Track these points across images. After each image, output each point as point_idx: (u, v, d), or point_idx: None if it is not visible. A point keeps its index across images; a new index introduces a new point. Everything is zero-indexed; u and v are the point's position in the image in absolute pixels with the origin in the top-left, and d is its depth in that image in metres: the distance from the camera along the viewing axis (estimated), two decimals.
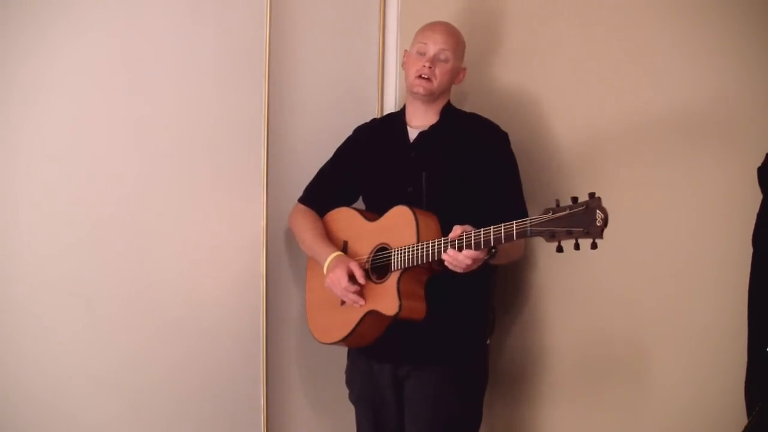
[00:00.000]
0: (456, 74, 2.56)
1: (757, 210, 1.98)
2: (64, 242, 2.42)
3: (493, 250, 2.20)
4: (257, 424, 2.76)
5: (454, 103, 2.63)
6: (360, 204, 2.68)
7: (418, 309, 2.37)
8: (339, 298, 2.51)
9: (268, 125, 2.74)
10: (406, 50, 2.63)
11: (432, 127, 2.55)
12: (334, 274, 2.45)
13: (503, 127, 2.54)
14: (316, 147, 2.80)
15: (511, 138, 2.53)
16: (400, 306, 2.33)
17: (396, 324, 2.41)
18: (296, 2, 2.82)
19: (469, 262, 2.20)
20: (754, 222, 1.99)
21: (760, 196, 1.97)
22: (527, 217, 2.41)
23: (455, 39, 2.54)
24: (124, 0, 2.48)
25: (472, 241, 2.16)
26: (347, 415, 2.78)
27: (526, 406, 2.71)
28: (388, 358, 2.51)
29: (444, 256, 2.22)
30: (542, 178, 2.62)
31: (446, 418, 2.45)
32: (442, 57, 2.50)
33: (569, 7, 2.61)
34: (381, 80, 3.03)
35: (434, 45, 2.51)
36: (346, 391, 2.67)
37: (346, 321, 2.48)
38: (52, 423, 2.40)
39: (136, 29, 2.51)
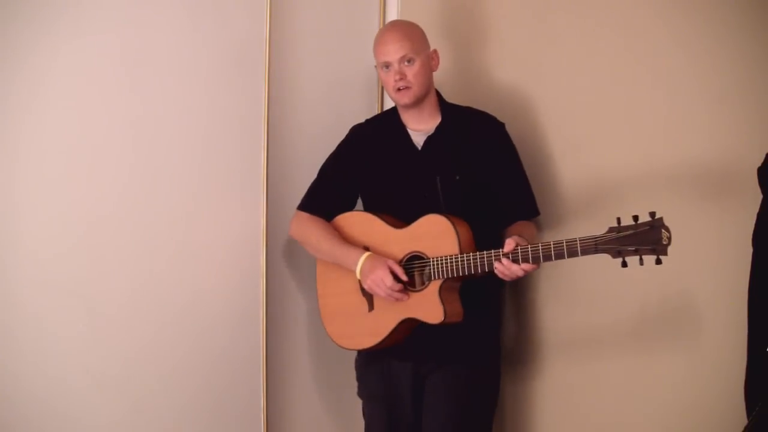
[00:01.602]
0: (428, 64, 2.54)
1: (757, 210, 1.98)
2: (65, 243, 2.42)
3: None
4: (257, 424, 2.76)
5: (447, 97, 2.62)
6: (359, 207, 2.66)
7: (457, 313, 2.41)
8: (366, 304, 2.50)
9: (268, 125, 2.74)
10: (376, 66, 2.61)
11: (437, 128, 2.55)
12: (375, 274, 2.42)
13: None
14: (316, 147, 2.80)
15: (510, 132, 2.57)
16: (445, 313, 2.36)
17: (420, 324, 2.43)
18: (296, 2, 2.82)
19: (521, 273, 2.27)
20: (754, 222, 1.99)
21: (760, 197, 1.97)
22: (536, 207, 2.53)
23: (407, 38, 2.51)
24: (124, 0, 2.48)
25: (530, 255, 2.24)
26: (347, 414, 2.79)
27: (532, 408, 2.71)
28: (410, 357, 2.52)
29: (497, 266, 2.28)
30: (543, 174, 2.62)
31: (466, 412, 2.50)
32: (406, 62, 2.49)
33: (568, 6, 2.61)
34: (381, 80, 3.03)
35: (392, 56, 2.50)
36: (345, 390, 2.67)
37: (378, 328, 2.48)
38: (53, 423, 2.40)
39: (136, 29, 2.51)
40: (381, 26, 3.02)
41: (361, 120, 2.74)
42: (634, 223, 2.11)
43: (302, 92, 2.85)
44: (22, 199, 2.37)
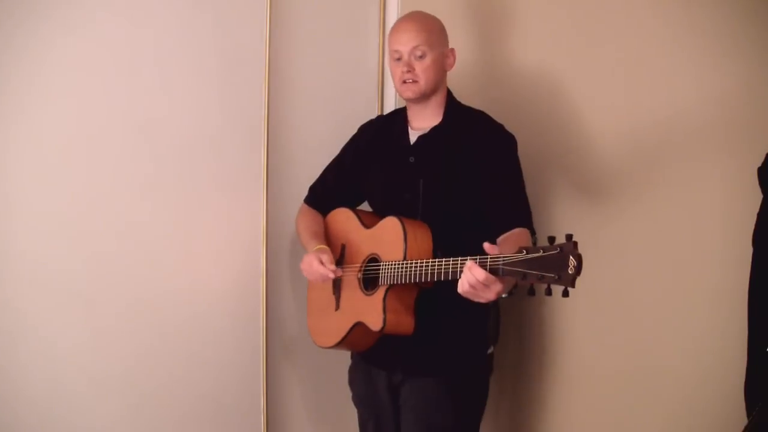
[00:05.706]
0: (441, 62, 2.42)
1: (757, 210, 1.99)
2: (65, 245, 2.41)
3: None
4: (257, 425, 2.76)
5: (460, 94, 2.54)
6: (366, 206, 2.65)
7: (404, 324, 2.31)
8: (334, 303, 2.49)
9: (268, 125, 2.74)
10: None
11: (433, 129, 2.45)
12: (304, 262, 2.45)
13: (508, 122, 2.45)
14: (316, 147, 2.80)
15: (518, 134, 2.44)
16: (385, 321, 2.28)
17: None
18: (296, 2, 2.82)
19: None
20: (754, 222, 2.00)
21: (760, 196, 1.97)
22: (531, 226, 2.35)
23: (424, 30, 2.39)
24: (124, 1, 2.48)
25: (447, 270, 2.09)
26: (347, 416, 2.78)
27: (532, 411, 2.71)
28: (383, 365, 2.48)
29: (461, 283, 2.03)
30: (549, 174, 2.62)
31: (439, 428, 2.40)
32: (417, 54, 2.39)
33: (569, 10, 2.61)
34: (381, 80, 3.03)
35: (404, 47, 2.40)
36: (346, 392, 2.67)
37: (338, 328, 2.45)
38: (52, 426, 2.40)
39: (136, 29, 2.51)
40: (381, 27, 3.03)
41: (361, 120, 2.74)
42: (548, 245, 1.83)
43: (302, 92, 2.85)
44: (21, 200, 2.36)
